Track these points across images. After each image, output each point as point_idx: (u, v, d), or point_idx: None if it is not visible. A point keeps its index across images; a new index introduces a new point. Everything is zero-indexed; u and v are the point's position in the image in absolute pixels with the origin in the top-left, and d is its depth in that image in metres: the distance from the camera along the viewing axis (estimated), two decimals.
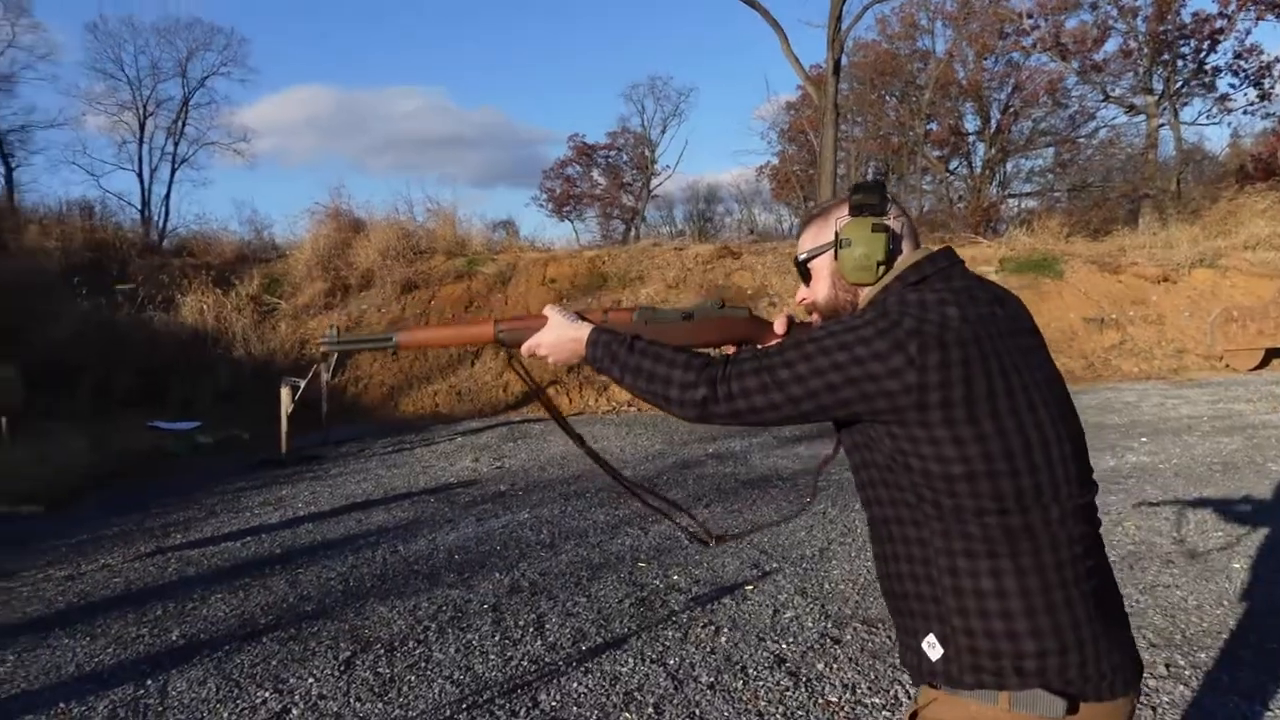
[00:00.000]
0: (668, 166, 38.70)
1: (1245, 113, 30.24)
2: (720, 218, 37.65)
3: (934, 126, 30.65)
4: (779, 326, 1.58)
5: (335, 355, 11.61)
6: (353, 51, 52.49)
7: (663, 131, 37.61)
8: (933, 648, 1.30)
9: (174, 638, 4.05)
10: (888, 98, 31.68)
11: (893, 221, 1.39)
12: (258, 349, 13.40)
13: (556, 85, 59.19)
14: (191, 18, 43.21)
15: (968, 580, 1.26)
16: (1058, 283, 15.10)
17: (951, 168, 31.95)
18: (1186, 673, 3.32)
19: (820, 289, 1.46)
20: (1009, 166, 31.42)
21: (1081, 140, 29.28)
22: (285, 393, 9.18)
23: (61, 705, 3.35)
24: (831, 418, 1.34)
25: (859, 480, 1.41)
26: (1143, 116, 26.71)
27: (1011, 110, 29.43)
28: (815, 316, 1.50)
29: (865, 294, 1.40)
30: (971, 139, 31.14)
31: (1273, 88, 25.24)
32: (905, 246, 1.41)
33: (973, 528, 1.25)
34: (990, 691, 1.26)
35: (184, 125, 28.76)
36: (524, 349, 1.59)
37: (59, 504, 7.57)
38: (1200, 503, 5.78)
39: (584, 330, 1.51)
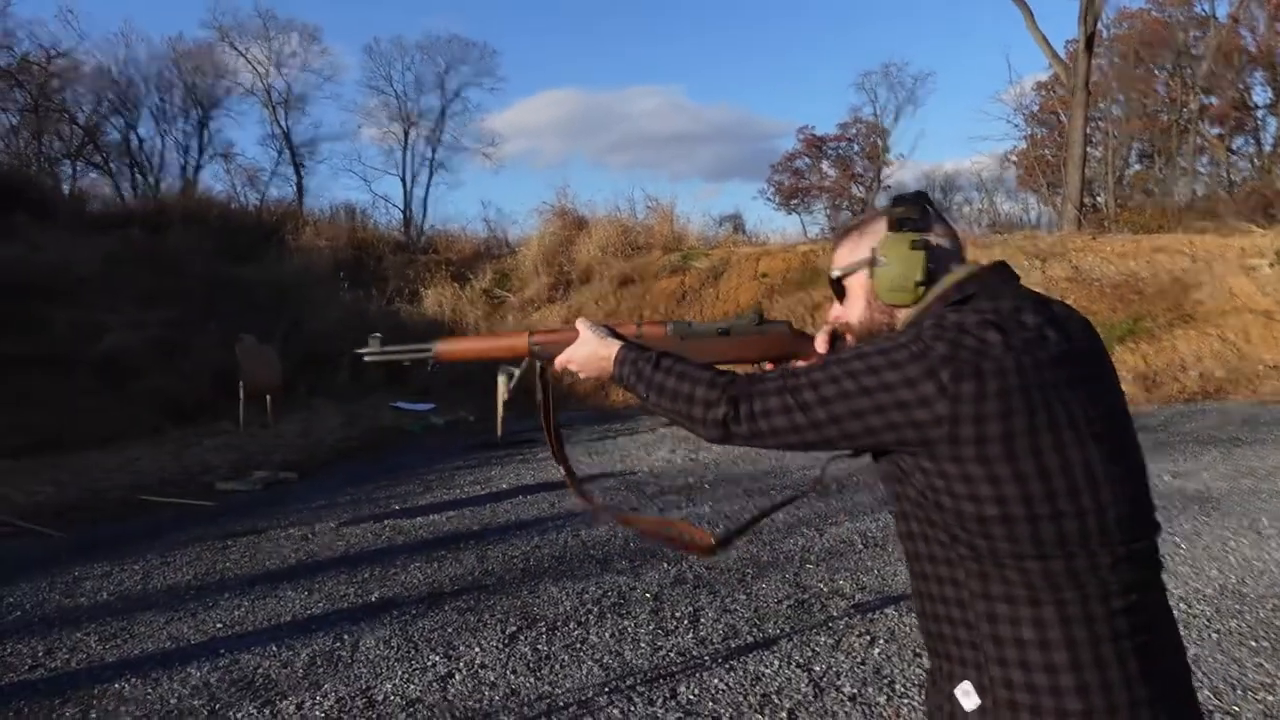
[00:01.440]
0: (901, 155, 36.73)
1: None
2: (959, 208, 35.42)
3: (1212, 101, 27.11)
4: (820, 343, 1.49)
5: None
6: (597, 55, 54.74)
7: (896, 119, 36.02)
8: (967, 695, 1.20)
9: (374, 599, 4.53)
10: (1156, 71, 28.41)
11: (936, 238, 1.30)
12: None
13: (789, 78, 58.45)
14: (450, 34, 47.06)
15: (1007, 628, 1.16)
16: None
17: (1234, 147, 28.13)
18: None
19: (855, 309, 1.37)
20: None
21: None
22: (501, 380, 9.89)
23: (273, 648, 3.87)
24: (859, 447, 1.26)
25: (896, 511, 1.32)
26: None
27: None
28: (850, 338, 1.41)
29: (904, 315, 1.31)
30: (1261, 114, 27.23)
31: None
32: (952, 264, 1.31)
33: (1011, 573, 1.16)
34: None
35: (441, 133, 31.52)
36: (557, 363, 1.55)
37: (310, 472, 8.66)
38: None
39: (613, 347, 1.46)
